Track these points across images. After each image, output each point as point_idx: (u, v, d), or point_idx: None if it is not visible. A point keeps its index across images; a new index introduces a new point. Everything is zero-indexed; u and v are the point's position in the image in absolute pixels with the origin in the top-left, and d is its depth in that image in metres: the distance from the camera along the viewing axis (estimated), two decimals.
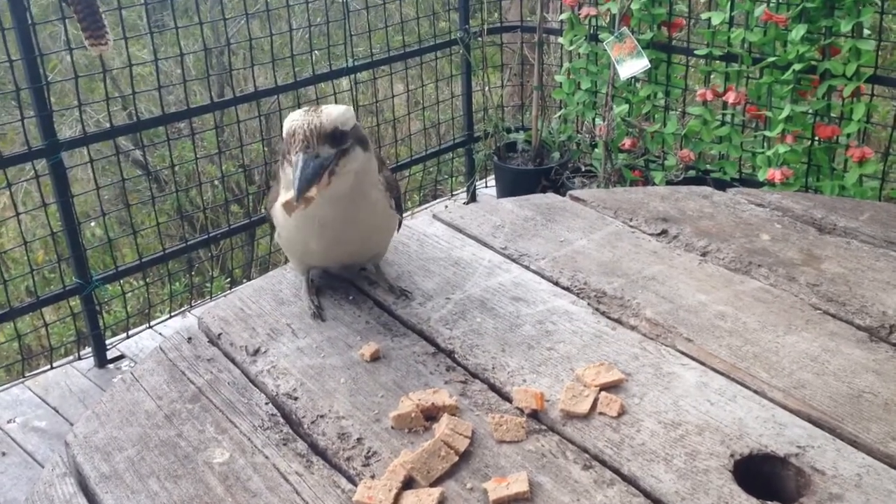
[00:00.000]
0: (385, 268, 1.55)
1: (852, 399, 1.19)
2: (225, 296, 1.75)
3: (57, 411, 3.15)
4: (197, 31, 3.78)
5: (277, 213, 1.40)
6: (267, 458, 1.13)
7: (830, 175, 3.41)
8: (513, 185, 4.26)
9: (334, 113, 1.28)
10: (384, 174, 1.43)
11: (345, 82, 4.48)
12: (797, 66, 3.25)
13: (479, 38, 4.36)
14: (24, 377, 3.35)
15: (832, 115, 3.36)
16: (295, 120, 1.26)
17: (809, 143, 3.42)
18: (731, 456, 1.10)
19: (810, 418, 1.16)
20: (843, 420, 1.16)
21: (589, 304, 1.44)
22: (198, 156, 3.78)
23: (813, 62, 3.28)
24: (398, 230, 1.55)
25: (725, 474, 1.07)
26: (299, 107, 4.06)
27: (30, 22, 2.93)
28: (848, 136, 3.30)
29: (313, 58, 4.03)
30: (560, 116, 4.39)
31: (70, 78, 3.24)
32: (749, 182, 3.67)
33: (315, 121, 1.25)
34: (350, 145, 1.28)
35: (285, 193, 1.33)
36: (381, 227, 1.46)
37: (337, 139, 1.26)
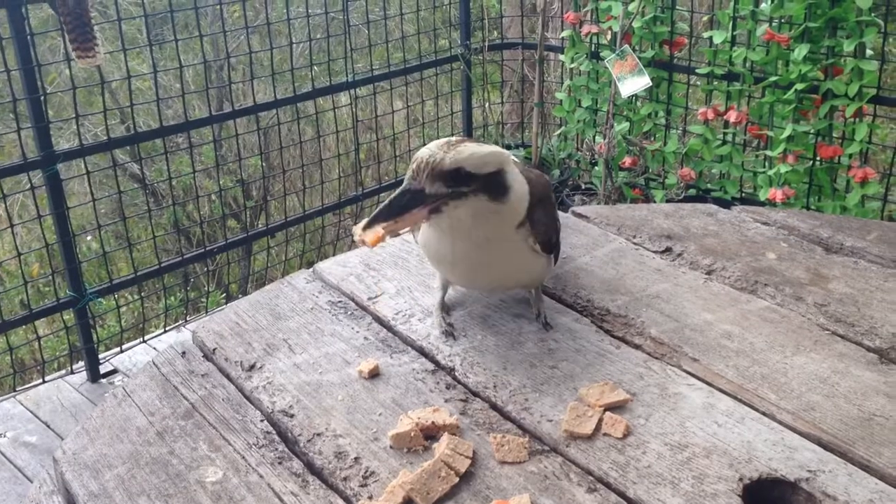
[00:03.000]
0: (540, 294, 1.46)
1: (863, 422, 1.16)
2: (220, 310, 1.72)
3: (48, 426, 3.11)
4: (197, 45, 3.77)
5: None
6: (261, 477, 1.10)
7: (832, 195, 3.39)
8: None
9: (465, 152, 1.19)
10: (535, 216, 1.31)
11: (344, 97, 4.47)
12: (799, 86, 3.24)
13: (480, 55, 4.35)
14: (15, 391, 3.31)
15: (834, 135, 3.35)
16: (426, 148, 1.21)
17: (811, 163, 3.40)
18: (740, 480, 1.07)
19: (821, 442, 1.13)
20: (854, 444, 1.12)
21: (592, 321, 1.41)
22: (195, 170, 3.75)
23: (815, 82, 3.27)
24: (555, 264, 1.45)
25: (734, 499, 1.04)
26: (298, 122, 4.07)
27: (28, 33, 2.91)
28: (850, 156, 3.29)
29: (313, 73, 4.01)
30: (560, 134, 4.38)
31: (68, 89, 3.22)
32: (750, 201, 3.66)
33: (439, 155, 1.18)
34: (473, 189, 1.21)
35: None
36: (521, 268, 1.36)
37: (457, 179, 1.19)
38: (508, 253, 1.32)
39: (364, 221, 1.20)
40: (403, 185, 1.20)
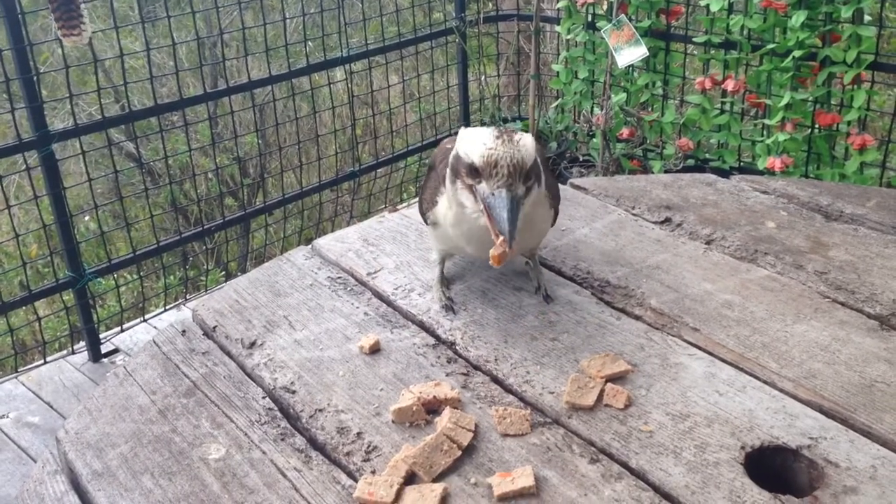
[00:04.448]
0: (539, 265, 1.47)
1: (864, 389, 1.16)
2: (220, 288, 1.71)
3: (51, 406, 3.11)
4: (189, 21, 3.74)
5: (439, 216, 1.33)
6: (264, 453, 1.10)
7: (831, 163, 3.38)
8: None
9: (530, 146, 1.17)
10: (547, 183, 1.30)
11: (339, 73, 4.43)
12: (797, 53, 3.22)
13: (475, 28, 4.31)
14: (17, 372, 3.32)
15: (832, 102, 3.33)
16: (492, 148, 1.15)
17: (809, 130, 3.39)
18: (742, 448, 1.07)
19: (822, 409, 1.13)
20: (855, 410, 1.13)
21: (592, 293, 1.41)
22: (191, 148, 3.73)
23: (813, 49, 3.24)
24: (553, 224, 1.43)
25: (736, 467, 1.04)
26: (293, 98, 4.04)
27: (18, 11, 2.88)
28: (848, 123, 3.27)
29: (307, 48, 3.98)
30: (557, 106, 4.35)
31: (61, 68, 3.19)
32: (748, 171, 3.64)
33: (517, 155, 1.15)
34: (533, 182, 1.19)
35: (496, 246, 1.16)
36: (540, 230, 1.37)
37: (528, 176, 1.18)
38: (539, 219, 1.32)
39: (501, 246, 1.15)
40: (506, 196, 1.15)
